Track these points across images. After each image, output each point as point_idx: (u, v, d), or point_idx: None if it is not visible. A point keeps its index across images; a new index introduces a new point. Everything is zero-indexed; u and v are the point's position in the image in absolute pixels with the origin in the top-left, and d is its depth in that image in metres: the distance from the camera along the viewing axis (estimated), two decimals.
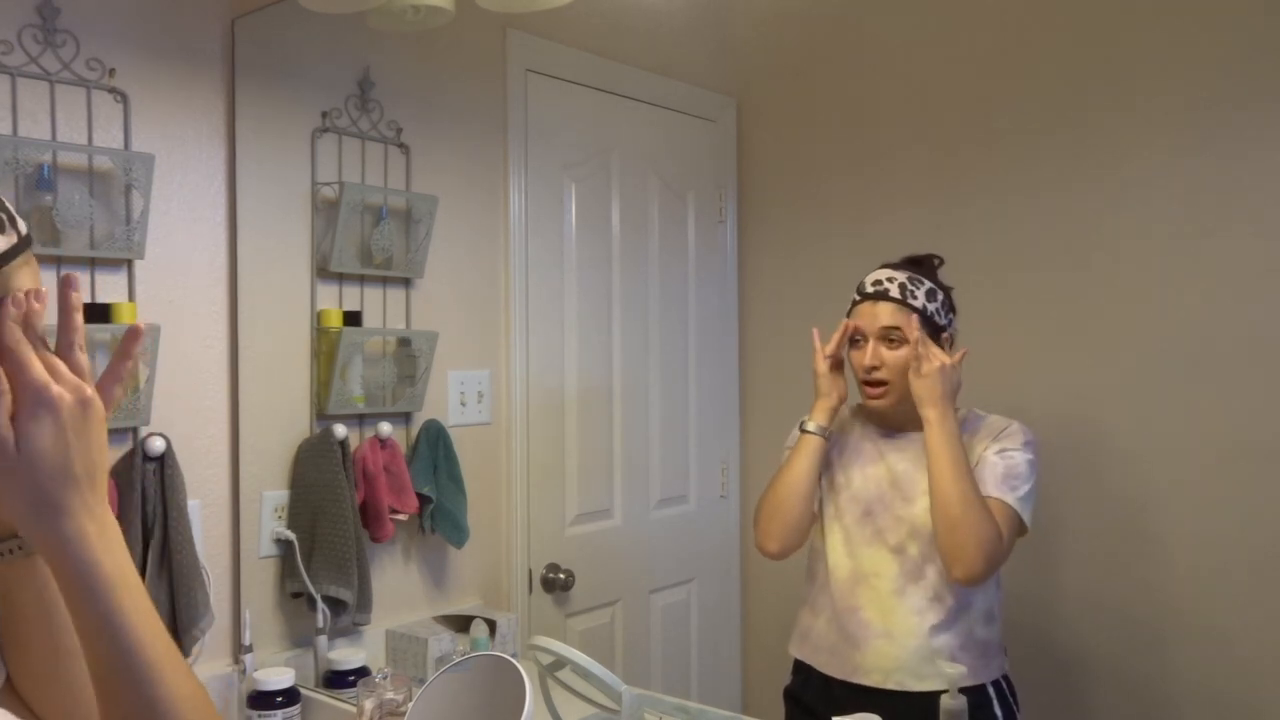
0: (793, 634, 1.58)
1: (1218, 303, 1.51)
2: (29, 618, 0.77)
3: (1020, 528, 1.41)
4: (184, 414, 1.73)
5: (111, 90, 1.64)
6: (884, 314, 1.45)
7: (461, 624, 1.85)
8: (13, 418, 0.66)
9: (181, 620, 1.63)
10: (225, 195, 1.79)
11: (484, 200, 2.02)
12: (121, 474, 1.61)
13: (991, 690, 1.44)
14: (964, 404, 1.50)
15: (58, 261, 1.58)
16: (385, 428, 1.85)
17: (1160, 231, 1.56)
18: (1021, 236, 1.66)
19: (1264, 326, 1.48)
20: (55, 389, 0.67)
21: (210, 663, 1.74)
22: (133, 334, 0.74)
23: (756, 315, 2.06)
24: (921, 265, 1.50)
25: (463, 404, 1.98)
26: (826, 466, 1.53)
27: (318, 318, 1.84)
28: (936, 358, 1.41)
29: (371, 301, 1.89)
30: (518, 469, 2.03)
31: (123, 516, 1.58)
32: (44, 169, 1.55)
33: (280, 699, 1.64)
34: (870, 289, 1.48)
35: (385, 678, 1.51)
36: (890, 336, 1.45)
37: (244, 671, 1.70)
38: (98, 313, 1.61)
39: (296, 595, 1.81)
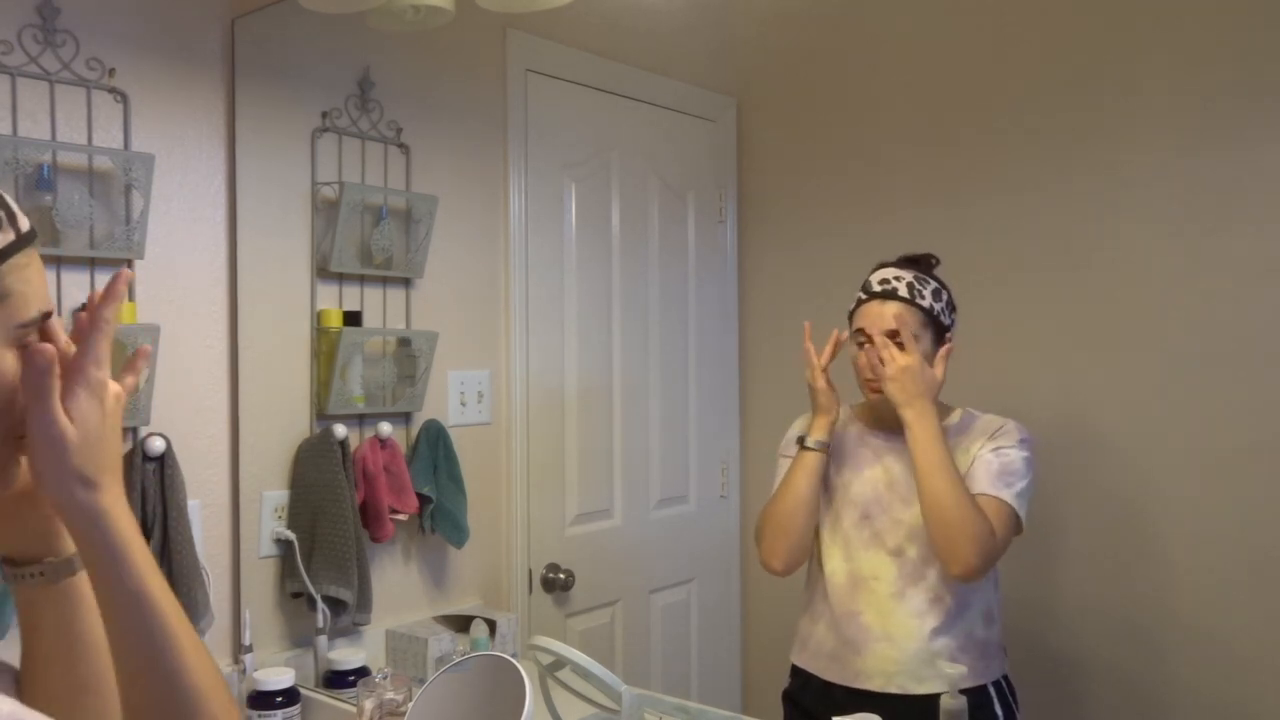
0: (794, 641, 1.58)
1: (1218, 302, 1.51)
2: (49, 647, 0.76)
3: (1016, 524, 1.40)
4: (184, 414, 1.73)
5: (111, 90, 1.64)
6: (890, 313, 1.44)
7: (461, 624, 1.85)
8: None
9: None
10: (225, 195, 1.79)
11: (484, 200, 2.02)
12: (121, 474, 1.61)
13: (992, 691, 1.44)
14: (963, 403, 1.50)
15: (58, 261, 1.57)
16: (385, 428, 1.85)
17: (1160, 231, 1.56)
18: (1021, 236, 1.66)
19: (1264, 326, 1.48)
20: (103, 373, 0.71)
21: None
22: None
23: (756, 315, 2.06)
24: (920, 264, 1.49)
25: (463, 404, 1.98)
26: None
27: (318, 318, 1.84)
28: (899, 358, 1.40)
29: (371, 301, 1.89)
30: (518, 469, 2.03)
31: None
32: (44, 169, 1.55)
33: (280, 699, 1.64)
34: (877, 288, 1.47)
35: (385, 678, 1.51)
36: (896, 337, 1.45)
37: (244, 671, 1.70)
38: None
39: (296, 595, 1.81)
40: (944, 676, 1.31)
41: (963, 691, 1.29)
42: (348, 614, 1.79)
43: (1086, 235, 1.62)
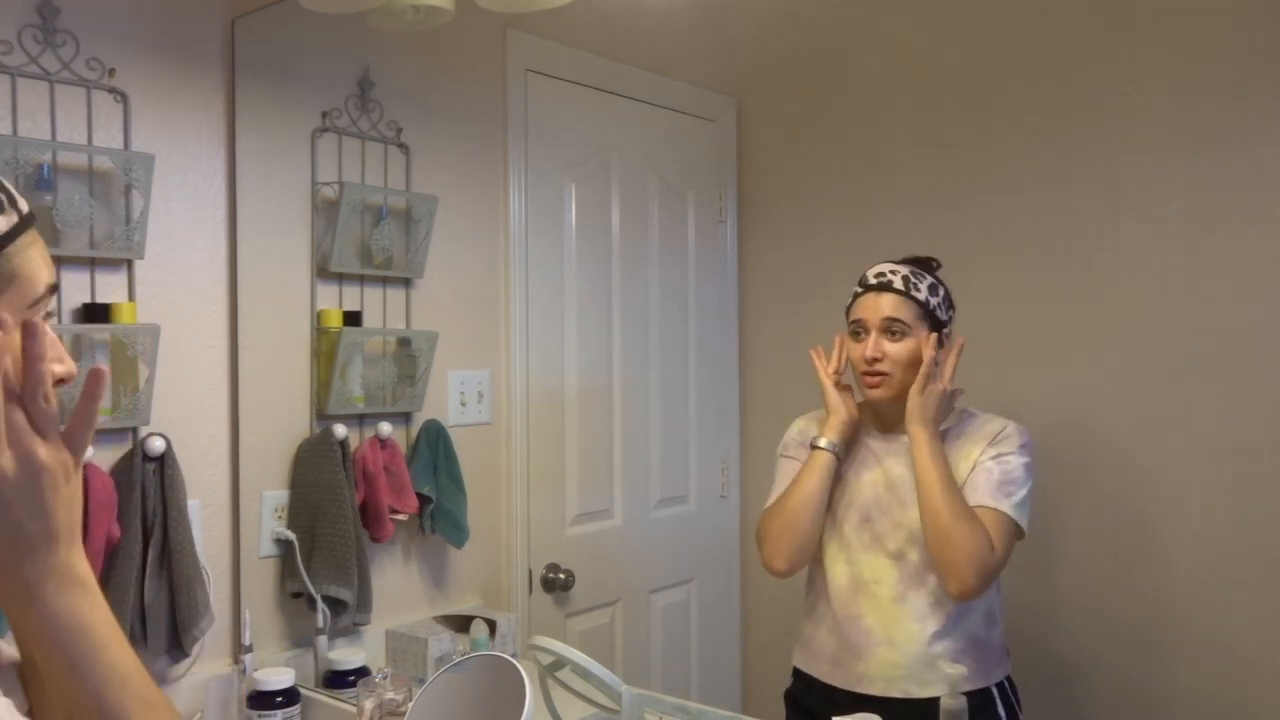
0: (796, 644, 1.58)
1: (1218, 302, 1.51)
2: (41, 677, 0.74)
3: (1017, 533, 1.40)
4: (184, 414, 1.73)
5: (111, 90, 1.64)
6: (886, 305, 1.45)
7: (461, 624, 1.85)
8: None
9: (181, 620, 1.63)
10: (225, 195, 1.79)
11: (484, 200, 2.02)
12: (121, 474, 1.61)
13: (995, 692, 1.44)
14: (962, 403, 1.49)
15: (58, 261, 1.57)
16: (385, 428, 1.85)
17: (1161, 231, 1.56)
18: (1021, 236, 1.66)
19: (1264, 326, 1.47)
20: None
21: (210, 663, 1.74)
22: (95, 376, 0.70)
23: (756, 315, 2.06)
24: (920, 263, 1.50)
25: (463, 404, 1.98)
26: None
27: (318, 318, 1.84)
28: (942, 382, 1.42)
29: (371, 301, 1.89)
30: (518, 469, 2.03)
31: (123, 516, 1.58)
32: (44, 169, 1.55)
33: (280, 699, 1.64)
34: (873, 280, 1.48)
35: (385, 678, 1.51)
36: (892, 329, 1.45)
37: (244, 671, 1.70)
38: (98, 313, 1.61)
39: (296, 595, 1.81)
40: (944, 678, 1.31)
41: (965, 693, 1.29)
42: (348, 614, 1.79)
43: (1086, 235, 1.62)
